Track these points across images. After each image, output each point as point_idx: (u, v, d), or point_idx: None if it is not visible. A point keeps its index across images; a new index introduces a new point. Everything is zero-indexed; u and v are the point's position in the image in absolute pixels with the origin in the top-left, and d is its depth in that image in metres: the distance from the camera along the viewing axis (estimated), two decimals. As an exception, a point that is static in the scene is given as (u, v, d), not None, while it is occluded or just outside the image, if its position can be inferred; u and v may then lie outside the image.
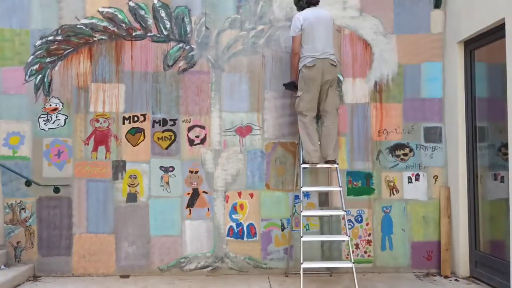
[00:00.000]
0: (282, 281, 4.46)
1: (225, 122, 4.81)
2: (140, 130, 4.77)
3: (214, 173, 4.77)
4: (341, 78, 4.82)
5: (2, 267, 4.45)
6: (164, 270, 4.71)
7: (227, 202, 4.77)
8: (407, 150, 4.82)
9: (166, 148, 4.78)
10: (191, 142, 4.79)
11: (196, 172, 4.77)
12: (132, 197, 4.74)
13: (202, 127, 4.80)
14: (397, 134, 4.83)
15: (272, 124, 4.80)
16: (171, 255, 4.72)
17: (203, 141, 4.79)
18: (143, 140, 4.76)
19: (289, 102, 4.81)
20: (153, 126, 4.78)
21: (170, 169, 4.76)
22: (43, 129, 4.73)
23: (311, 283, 4.38)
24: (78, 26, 4.76)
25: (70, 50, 4.76)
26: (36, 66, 4.73)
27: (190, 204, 4.75)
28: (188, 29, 4.81)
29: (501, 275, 3.98)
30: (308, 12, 4.30)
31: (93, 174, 4.72)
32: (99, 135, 4.75)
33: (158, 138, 4.78)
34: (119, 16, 4.77)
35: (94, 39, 4.76)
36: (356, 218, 4.79)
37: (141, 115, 4.78)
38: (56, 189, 4.64)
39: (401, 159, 4.82)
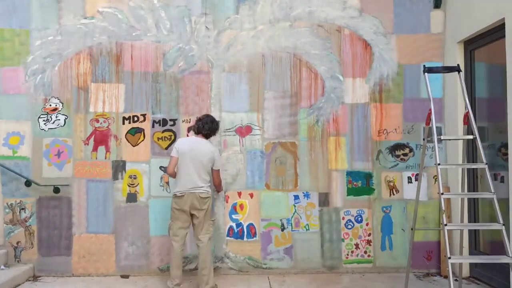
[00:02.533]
0: (282, 281, 4.46)
1: (225, 122, 4.81)
2: (140, 130, 4.77)
3: (214, 173, 4.77)
4: (341, 78, 4.83)
5: (2, 267, 4.45)
6: (164, 270, 4.71)
7: (227, 202, 4.77)
8: (407, 150, 4.82)
9: (166, 148, 4.78)
10: (191, 142, 4.79)
11: (196, 172, 4.76)
12: (132, 197, 4.74)
13: (202, 127, 4.80)
14: (397, 134, 4.83)
15: (272, 124, 4.80)
16: (171, 255, 4.71)
17: (203, 141, 4.79)
18: (143, 140, 4.77)
19: (289, 102, 4.81)
20: (153, 126, 4.78)
21: (170, 169, 4.76)
22: (43, 129, 4.73)
23: (311, 283, 4.38)
24: (78, 26, 4.76)
25: (70, 50, 4.76)
26: (36, 66, 4.73)
27: (190, 204, 4.75)
28: (188, 29, 4.81)
29: (501, 275, 3.98)
30: (189, 140, 4.20)
31: (93, 174, 4.72)
32: (99, 135, 4.75)
33: (158, 138, 4.78)
34: (119, 16, 4.77)
35: (94, 39, 4.76)
36: (356, 218, 4.79)
37: (141, 115, 4.78)
38: (56, 189, 4.64)
39: (401, 159, 4.82)
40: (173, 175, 4.16)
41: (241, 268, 4.73)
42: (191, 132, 4.47)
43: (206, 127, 4.18)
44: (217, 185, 4.37)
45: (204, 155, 4.09)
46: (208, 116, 4.27)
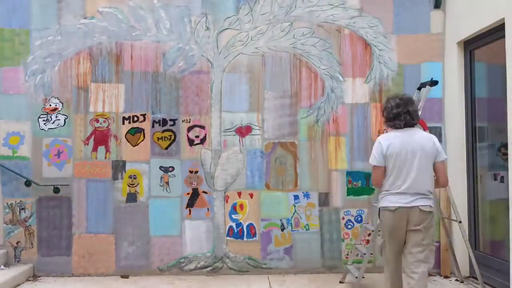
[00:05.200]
0: (282, 281, 4.46)
1: (225, 122, 4.81)
2: (140, 130, 4.77)
3: (214, 173, 4.77)
4: (341, 78, 4.83)
5: (2, 267, 4.45)
6: (164, 270, 4.71)
7: (227, 202, 4.77)
8: (407, 150, 4.80)
9: (166, 148, 4.78)
10: (191, 142, 4.79)
11: (196, 172, 4.77)
12: (132, 197, 4.74)
13: (202, 127, 4.80)
14: (397, 134, 4.82)
15: (271, 124, 4.80)
16: (171, 255, 4.72)
17: (203, 141, 4.79)
18: (143, 140, 4.77)
19: (289, 102, 4.81)
20: (153, 126, 4.78)
21: (170, 169, 4.76)
22: (43, 129, 4.73)
23: (311, 283, 4.38)
24: (77, 26, 4.76)
25: (70, 50, 4.76)
26: (36, 66, 4.73)
27: (190, 204, 4.75)
28: (188, 29, 4.81)
29: (501, 275, 3.98)
30: (397, 135, 3.22)
31: (93, 174, 4.72)
32: (99, 135, 4.75)
33: (158, 138, 4.78)
34: (119, 16, 4.77)
35: (94, 39, 4.76)
36: (356, 218, 4.79)
37: (141, 115, 4.78)
38: (56, 189, 4.64)
39: (401, 159, 4.80)
40: (380, 185, 3.36)
41: (241, 268, 4.73)
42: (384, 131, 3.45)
43: (396, 111, 3.18)
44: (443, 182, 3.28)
45: (428, 148, 3.13)
46: (389, 99, 3.30)
